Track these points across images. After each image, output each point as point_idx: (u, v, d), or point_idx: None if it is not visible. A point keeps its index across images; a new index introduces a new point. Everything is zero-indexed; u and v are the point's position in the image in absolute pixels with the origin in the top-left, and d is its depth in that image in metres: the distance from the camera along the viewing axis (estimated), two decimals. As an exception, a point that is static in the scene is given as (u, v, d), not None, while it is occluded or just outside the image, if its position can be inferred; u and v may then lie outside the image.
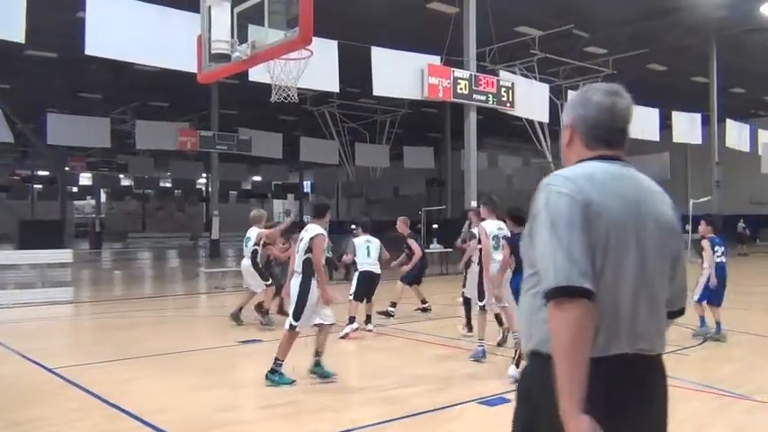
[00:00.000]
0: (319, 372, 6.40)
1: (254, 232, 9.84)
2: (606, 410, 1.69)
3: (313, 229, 6.43)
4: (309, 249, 6.30)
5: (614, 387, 1.77)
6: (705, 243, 8.81)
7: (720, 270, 8.70)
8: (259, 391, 6.21)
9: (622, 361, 1.80)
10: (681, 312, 2.03)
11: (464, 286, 9.21)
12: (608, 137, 1.94)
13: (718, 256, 8.72)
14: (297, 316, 6.23)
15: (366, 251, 9.48)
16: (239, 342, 8.71)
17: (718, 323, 8.65)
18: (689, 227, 25.22)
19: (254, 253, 9.79)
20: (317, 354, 6.43)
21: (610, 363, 1.77)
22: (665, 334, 1.92)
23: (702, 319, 8.81)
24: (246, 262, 9.82)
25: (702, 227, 9.02)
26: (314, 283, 6.28)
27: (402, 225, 10.64)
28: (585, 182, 1.81)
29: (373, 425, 5.11)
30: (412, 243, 10.73)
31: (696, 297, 8.68)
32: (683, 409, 5.36)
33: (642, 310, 1.83)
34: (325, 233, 6.46)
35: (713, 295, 8.70)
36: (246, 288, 10.23)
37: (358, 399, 6.05)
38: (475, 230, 8.22)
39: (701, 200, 26.53)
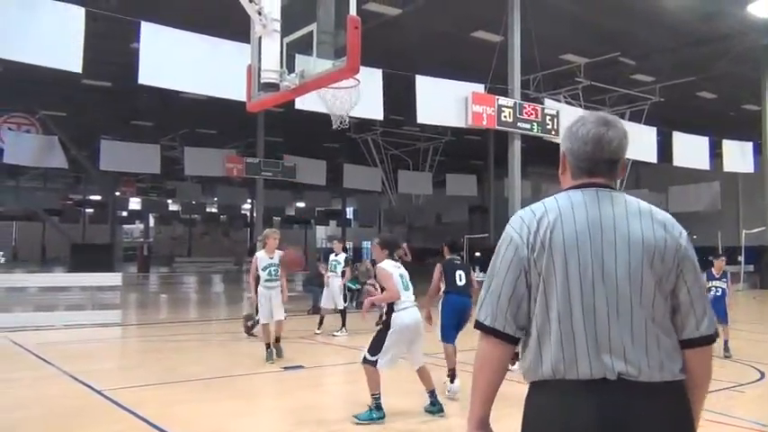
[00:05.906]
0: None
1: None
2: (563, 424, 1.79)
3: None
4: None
5: (571, 409, 1.79)
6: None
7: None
8: (303, 418, 6.22)
9: (585, 384, 1.79)
10: (702, 342, 1.89)
11: None
12: (593, 168, 1.97)
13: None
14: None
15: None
16: (282, 368, 8.76)
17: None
18: (741, 258, 24.53)
19: None
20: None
21: (563, 385, 1.81)
22: (663, 358, 1.81)
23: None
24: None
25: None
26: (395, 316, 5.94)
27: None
28: (542, 215, 1.90)
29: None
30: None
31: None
32: (736, 447, 5.17)
33: (613, 333, 1.80)
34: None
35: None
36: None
37: (410, 426, 5.98)
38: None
39: (754, 230, 25.74)
